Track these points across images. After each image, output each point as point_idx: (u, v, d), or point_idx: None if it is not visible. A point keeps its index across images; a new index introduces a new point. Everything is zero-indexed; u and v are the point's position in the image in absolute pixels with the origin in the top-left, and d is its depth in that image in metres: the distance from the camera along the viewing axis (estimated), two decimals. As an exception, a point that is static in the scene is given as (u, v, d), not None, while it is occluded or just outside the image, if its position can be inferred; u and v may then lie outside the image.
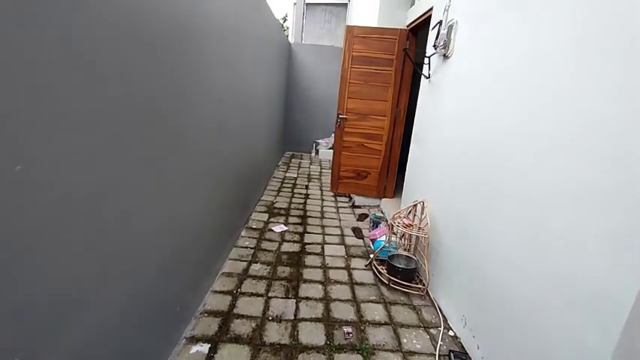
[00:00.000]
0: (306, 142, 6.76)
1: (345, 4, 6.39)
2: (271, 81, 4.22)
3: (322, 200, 4.08)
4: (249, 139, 3.07)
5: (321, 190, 4.50)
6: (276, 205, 3.75)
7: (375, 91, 3.61)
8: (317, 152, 6.73)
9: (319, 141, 6.61)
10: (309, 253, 2.71)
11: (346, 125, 3.76)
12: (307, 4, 6.39)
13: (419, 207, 2.52)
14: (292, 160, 6.21)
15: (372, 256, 2.63)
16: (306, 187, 4.55)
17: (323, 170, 5.61)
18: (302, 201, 3.98)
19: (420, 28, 3.31)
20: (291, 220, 3.41)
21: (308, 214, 3.60)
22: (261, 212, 3.52)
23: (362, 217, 3.56)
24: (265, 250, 2.71)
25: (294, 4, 6.38)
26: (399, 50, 3.45)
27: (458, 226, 1.98)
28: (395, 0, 3.56)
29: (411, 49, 3.45)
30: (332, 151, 6.71)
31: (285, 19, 8.99)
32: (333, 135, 6.55)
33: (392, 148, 3.78)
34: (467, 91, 2.00)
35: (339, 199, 4.17)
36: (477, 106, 1.85)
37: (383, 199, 3.96)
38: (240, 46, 2.44)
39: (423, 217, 2.38)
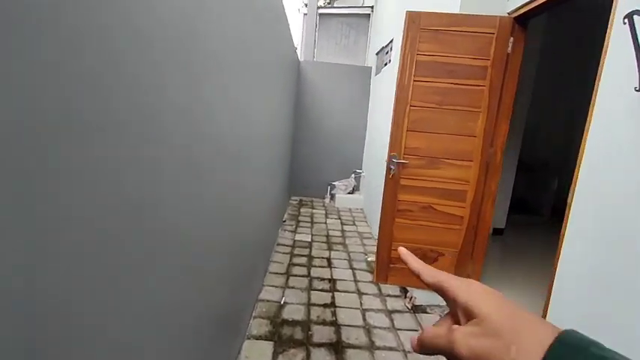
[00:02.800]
0: (318, 185, 5.26)
1: (368, 15, 5.17)
2: (278, 111, 2.79)
3: (360, 296, 2.48)
4: (245, 205, 1.57)
5: (351, 269, 2.90)
6: (285, 316, 2.14)
7: (454, 120, 2.15)
8: (332, 198, 5.20)
9: (335, 184, 5.11)
10: None
11: (404, 175, 2.26)
12: (320, 15, 5.18)
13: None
14: (301, 209, 4.66)
15: None
16: (329, 264, 2.96)
17: (346, 228, 4.04)
18: (328, 300, 2.38)
19: (534, 14, 1.92)
20: (316, 354, 1.81)
21: (343, 335, 1.99)
22: (259, 339, 1.91)
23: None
24: None
25: (305, 14, 5.18)
26: (497, 52, 2.03)
27: None
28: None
29: (516, 50, 2.04)
30: (351, 197, 5.28)
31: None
32: (352, 177, 5.06)
33: (481, 214, 2.25)
34: None
35: (384, 289, 2.57)
36: None
37: (462, 296, 2.37)
38: (243, 70, 1.08)
39: None
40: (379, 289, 2.58)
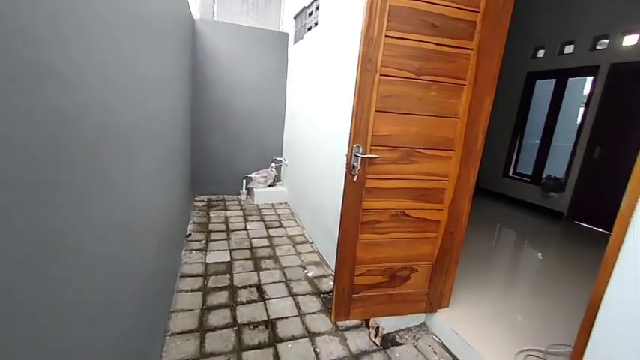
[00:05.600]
0: (231, 179, 4.26)
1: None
2: (163, 86, 1.75)
3: (312, 340, 1.78)
4: (110, 234, 0.63)
5: (292, 296, 2.17)
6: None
7: (435, 97, 1.58)
8: (249, 193, 4.30)
9: (252, 176, 4.21)
10: None
11: (371, 175, 1.60)
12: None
13: None
14: (211, 213, 3.63)
15: None
16: (261, 294, 2.14)
17: (272, 232, 3.24)
18: (272, 364, 1.61)
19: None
20: None
21: None
22: None
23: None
24: None
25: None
26: (490, 1, 1.51)
27: None
28: None
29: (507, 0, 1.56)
30: (273, 190, 4.41)
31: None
32: (272, 166, 4.26)
33: (458, 215, 1.80)
34: None
35: (341, 325, 1.94)
36: None
37: (436, 313, 1.93)
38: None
39: None
40: (335, 324, 1.93)
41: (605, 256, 1.12)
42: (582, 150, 4.13)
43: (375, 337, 1.84)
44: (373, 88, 1.49)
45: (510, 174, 5.26)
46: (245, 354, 1.63)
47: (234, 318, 1.90)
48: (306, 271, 2.55)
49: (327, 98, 2.69)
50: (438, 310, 1.94)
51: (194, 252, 2.67)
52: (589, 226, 4.02)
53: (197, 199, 4.08)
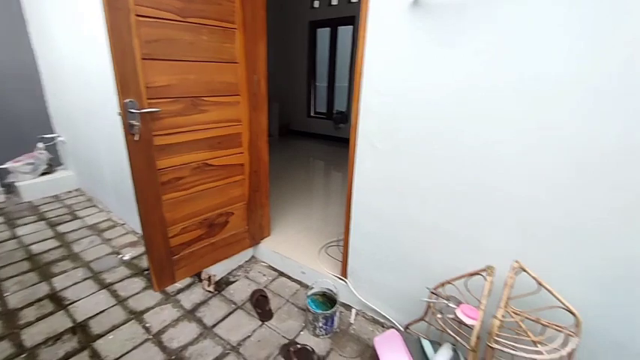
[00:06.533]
0: (-32, 176, 2.94)
1: None
2: None
3: (140, 319, 1.66)
4: None
5: (107, 288, 1.89)
6: None
7: (209, 41, 1.54)
8: (10, 190, 3.15)
9: (10, 166, 3.05)
10: None
11: (157, 131, 1.47)
12: None
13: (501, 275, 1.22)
14: (-57, 231, 2.46)
15: None
16: (59, 304, 1.75)
17: (63, 228, 2.57)
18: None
19: None
20: None
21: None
22: None
23: (285, 349, 1.70)
24: None
25: None
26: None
27: None
28: None
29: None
30: (50, 178, 3.29)
31: None
32: (41, 147, 3.25)
33: (259, 155, 1.98)
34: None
35: (169, 288, 1.89)
36: None
37: (261, 244, 2.18)
38: None
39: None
40: (164, 292, 1.86)
41: (348, 164, 1.54)
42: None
43: (209, 286, 1.91)
44: (132, 31, 1.30)
45: (312, 114, 6.12)
46: (50, 374, 1.35)
47: (19, 345, 1.48)
48: (120, 255, 2.23)
49: (90, 44, 2.15)
50: (262, 241, 2.19)
51: None
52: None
53: None
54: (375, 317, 1.69)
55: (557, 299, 0.95)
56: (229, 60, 1.64)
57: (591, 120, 0.92)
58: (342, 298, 1.73)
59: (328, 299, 1.71)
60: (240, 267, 2.13)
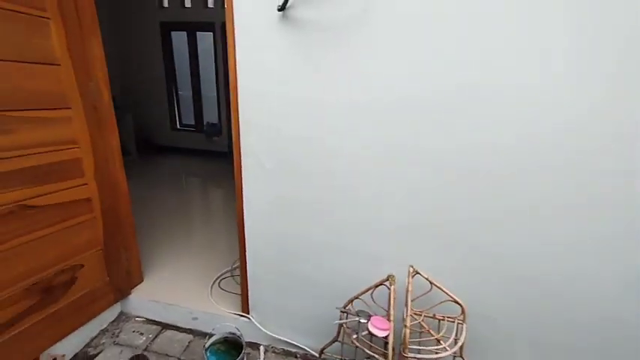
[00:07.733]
0: None
1: None
2: None
3: None
4: None
5: None
6: None
7: (1, 32, 1.06)
8: None
9: None
10: None
11: None
12: None
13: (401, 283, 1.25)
14: None
15: None
16: None
17: None
18: None
19: None
20: None
21: None
22: None
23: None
24: None
25: None
26: None
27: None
28: None
29: None
30: None
31: None
32: None
33: (113, 184, 1.54)
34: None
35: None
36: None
37: (131, 295, 1.72)
38: None
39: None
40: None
41: (236, 187, 1.36)
42: (223, 97, 4.94)
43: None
44: None
45: (178, 126, 5.45)
46: None
47: None
48: None
49: None
50: (132, 291, 1.73)
51: None
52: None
53: None
54: (287, 348, 1.55)
55: (446, 293, 1.06)
56: (43, 60, 1.19)
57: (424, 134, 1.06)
58: (247, 336, 1.52)
59: (231, 345, 1.45)
60: (103, 332, 1.61)
